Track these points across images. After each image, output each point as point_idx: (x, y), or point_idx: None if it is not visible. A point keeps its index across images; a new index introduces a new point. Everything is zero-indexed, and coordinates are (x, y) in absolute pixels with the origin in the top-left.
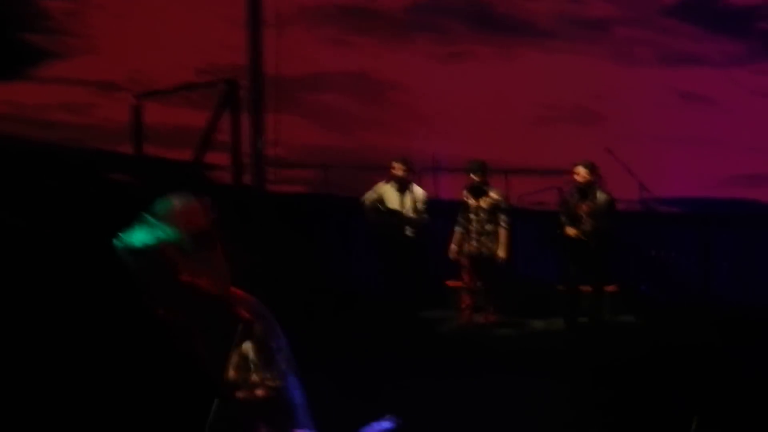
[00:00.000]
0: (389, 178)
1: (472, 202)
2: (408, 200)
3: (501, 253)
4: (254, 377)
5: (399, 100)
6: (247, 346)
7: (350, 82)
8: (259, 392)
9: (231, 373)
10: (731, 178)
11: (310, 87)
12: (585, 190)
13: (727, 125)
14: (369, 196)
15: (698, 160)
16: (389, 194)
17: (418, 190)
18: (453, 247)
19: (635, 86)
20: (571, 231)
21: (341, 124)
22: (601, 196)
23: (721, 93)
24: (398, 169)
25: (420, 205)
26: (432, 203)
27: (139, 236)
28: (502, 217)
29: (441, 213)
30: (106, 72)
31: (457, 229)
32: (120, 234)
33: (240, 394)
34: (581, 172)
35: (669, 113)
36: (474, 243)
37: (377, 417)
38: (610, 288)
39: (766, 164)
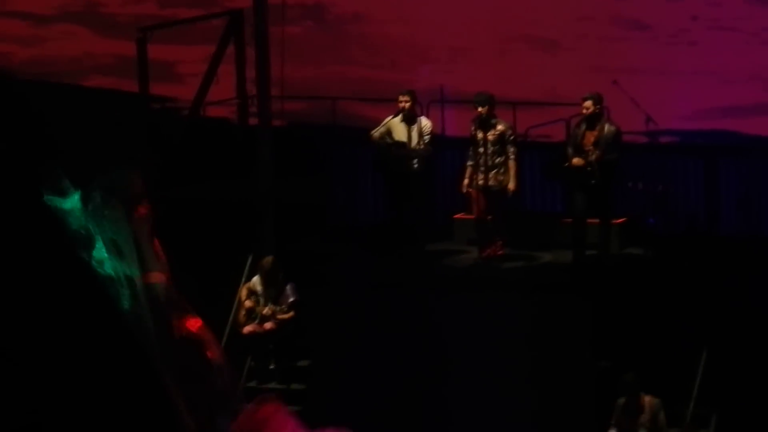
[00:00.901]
0: (396, 111)
1: (479, 135)
2: (415, 133)
3: (511, 185)
4: (265, 310)
5: (360, 31)
6: (255, 281)
7: (307, 13)
8: (268, 325)
9: (246, 302)
10: (705, 111)
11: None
12: (592, 121)
13: (694, 58)
14: (377, 130)
15: (670, 92)
16: (397, 127)
17: (425, 122)
18: (466, 181)
19: (586, 15)
20: (576, 160)
21: (300, 55)
22: (608, 127)
23: (681, 26)
24: (404, 102)
25: (426, 137)
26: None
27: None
28: (510, 149)
29: (447, 146)
30: (49, 5)
31: (469, 163)
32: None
33: (249, 328)
34: (587, 104)
35: (629, 45)
36: (483, 176)
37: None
38: (617, 221)
39: (738, 97)
